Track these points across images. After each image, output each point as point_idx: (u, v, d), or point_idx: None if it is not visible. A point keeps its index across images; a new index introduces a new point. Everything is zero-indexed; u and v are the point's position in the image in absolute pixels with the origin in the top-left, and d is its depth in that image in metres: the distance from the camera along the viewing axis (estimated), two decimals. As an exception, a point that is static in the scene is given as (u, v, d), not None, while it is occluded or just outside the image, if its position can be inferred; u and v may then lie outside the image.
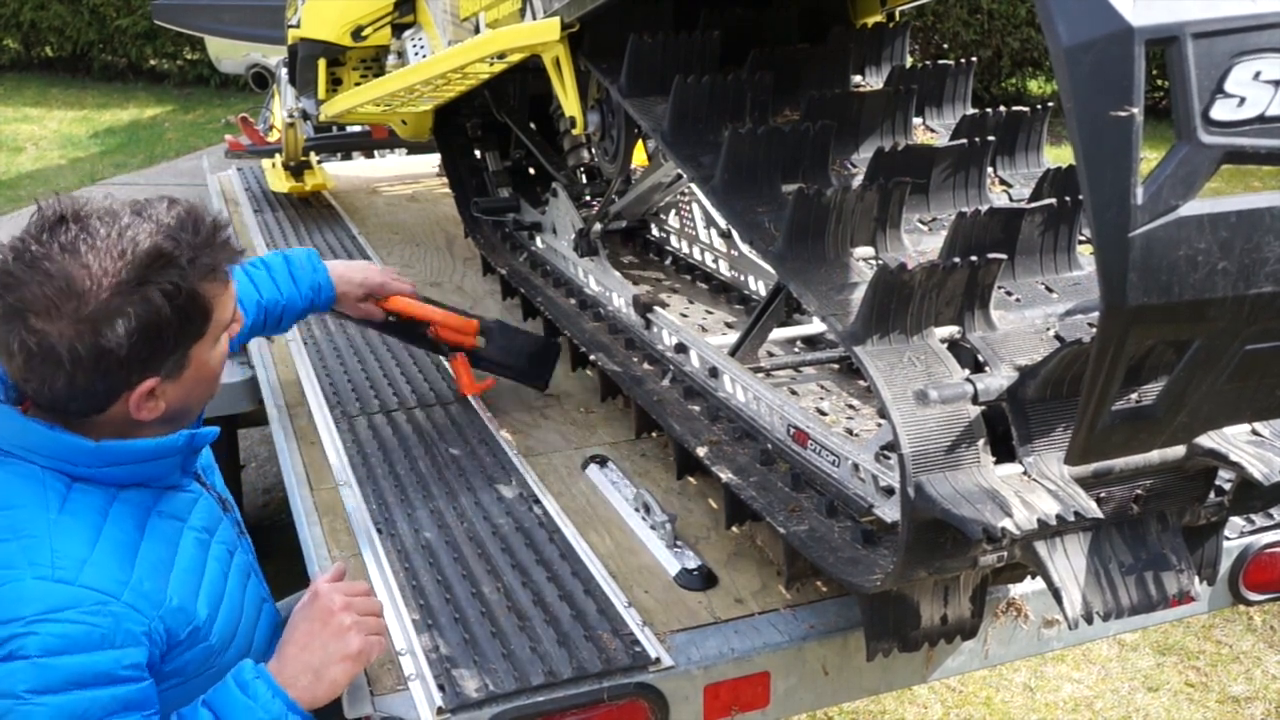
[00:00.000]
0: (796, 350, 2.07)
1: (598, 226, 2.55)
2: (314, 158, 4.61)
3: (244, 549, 1.56)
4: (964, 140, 1.61)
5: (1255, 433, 1.35)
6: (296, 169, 4.47)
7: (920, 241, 1.54)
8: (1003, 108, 1.78)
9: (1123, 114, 0.83)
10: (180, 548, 1.39)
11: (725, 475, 1.76)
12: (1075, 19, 0.84)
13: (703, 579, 1.73)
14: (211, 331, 1.39)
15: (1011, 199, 1.71)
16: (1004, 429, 1.29)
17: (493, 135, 3.33)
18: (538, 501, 1.97)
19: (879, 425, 1.75)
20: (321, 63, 3.65)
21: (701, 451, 1.85)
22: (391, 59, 3.45)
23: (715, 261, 2.52)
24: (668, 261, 2.68)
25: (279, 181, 4.46)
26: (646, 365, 2.16)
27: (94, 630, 1.24)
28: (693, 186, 2.37)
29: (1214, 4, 0.84)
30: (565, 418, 2.32)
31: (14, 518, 1.28)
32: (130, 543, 1.33)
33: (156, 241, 1.30)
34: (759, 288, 2.34)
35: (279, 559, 1.45)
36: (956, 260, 1.33)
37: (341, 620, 1.42)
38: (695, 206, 2.57)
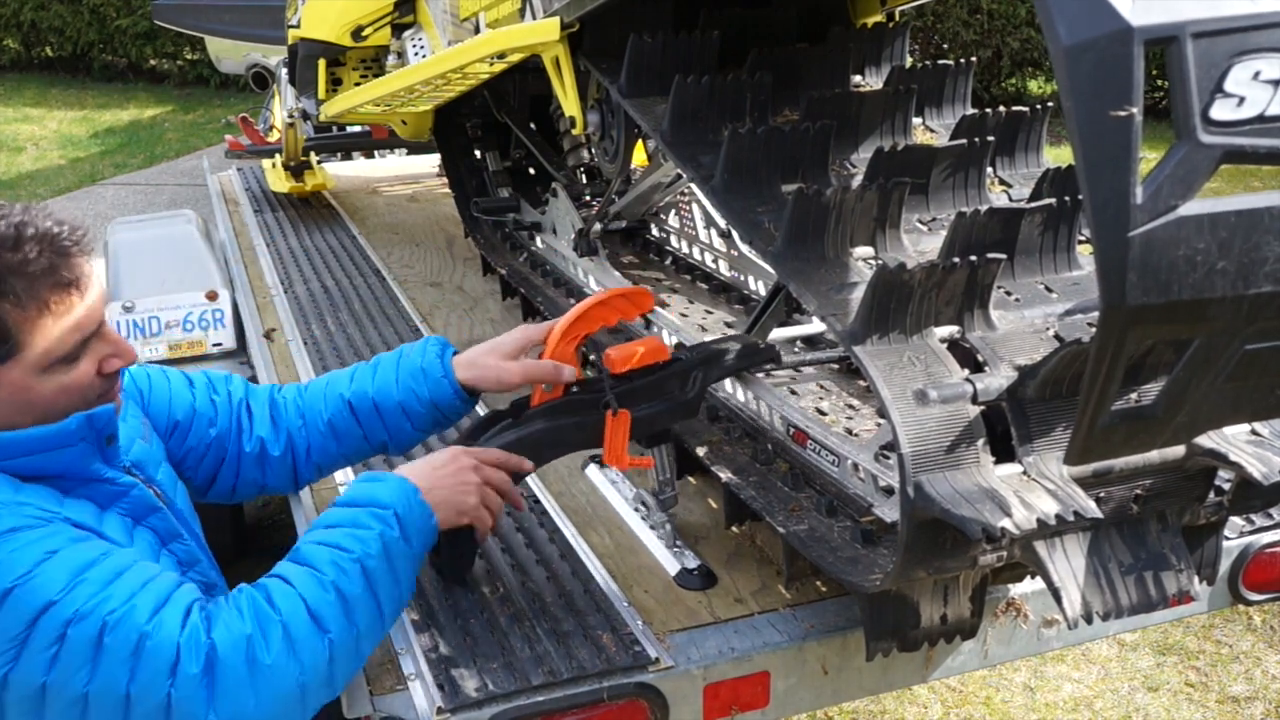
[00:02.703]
0: (796, 350, 2.07)
1: (598, 226, 2.55)
2: (314, 158, 4.61)
3: (183, 541, 1.50)
4: (964, 140, 1.61)
5: (1255, 432, 1.35)
6: (296, 169, 4.48)
7: (920, 241, 1.54)
8: (1002, 108, 1.78)
9: (1122, 114, 0.83)
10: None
11: (725, 475, 1.76)
12: (1075, 19, 0.84)
13: (702, 579, 1.73)
14: (26, 358, 1.29)
15: (1011, 199, 1.71)
16: (1003, 429, 1.29)
17: (493, 135, 3.33)
18: (537, 501, 1.97)
19: (878, 425, 1.75)
20: (321, 63, 3.65)
21: (701, 451, 1.85)
22: (391, 59, 3.45)
23: (715, 261, 2.52)
24: (668, 261, 2.67)
25: (279, 181, 4.47)
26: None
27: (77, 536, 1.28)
28: (693, 186, 2.37)
29: (1213, 4, 0.84)
30: (565, 418, 2.32)
31: None
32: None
33: None
34: (759, 287, 2.34)
35: (279, 559, 1.46)
36: (956, 260, 1.33)
37: (470, 477, 1.53)
38: (695, 206, 2.57)
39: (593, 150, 2.50)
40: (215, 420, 1.68)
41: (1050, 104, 1.80)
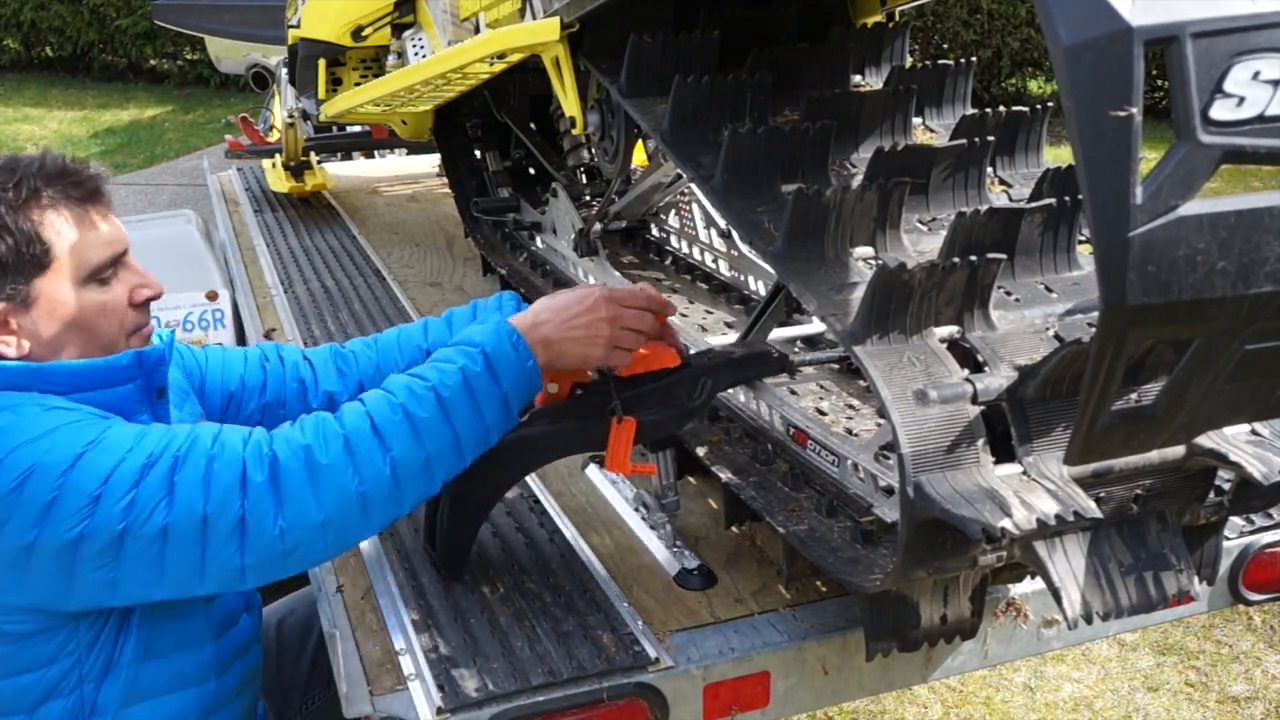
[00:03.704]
0: (796, 350, 2.07)
1: (598, 226, 2.55)
2: (314, 158, 4.61)
3: None
4: (964, 140, 1.61)
5: (1255, 432, 1.35)
6: (296, 169, 4.47)
7: (920, 241, 1.54)
8: (1002, 108, 1.78)
9: (1122, 114, 0.83)
10: None
11: (725, 475, 1.76)
12: (1075, 19, 0.83)
13: (702, 579, 1.73)
14: (61, 267, 1.40)
15: (1011, 199, 1.71)
16: (1003, 429, 1.29)
17: (493, 135, 3.33)
18: (537, 501, 1.97)
19: (879, 425, 1.75)
20: (321, 63, 3.65)
21: (701, 451, 1.85)
22: (391, 59, 3.45)
23: (715, 261, 2.52)
24: (668, 261, 2.68)
25: (279, 181, 4.46)
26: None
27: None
28: (693, 186, 2.37)
29: (1213, 4, 0.84)
30: (565, 418, 2.32)
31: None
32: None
33: None
34: (759, 288, 2.34)
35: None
36: (956, 260, 1.33)
37: (602, 330, 1.52)
38: (695, 206, 2.57)
39: (593, 150, 2.50)
40: (266, 386, 1.78)
41: (1050, 104, 1.80)
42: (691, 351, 1.73)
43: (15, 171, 1.40)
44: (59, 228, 1.40)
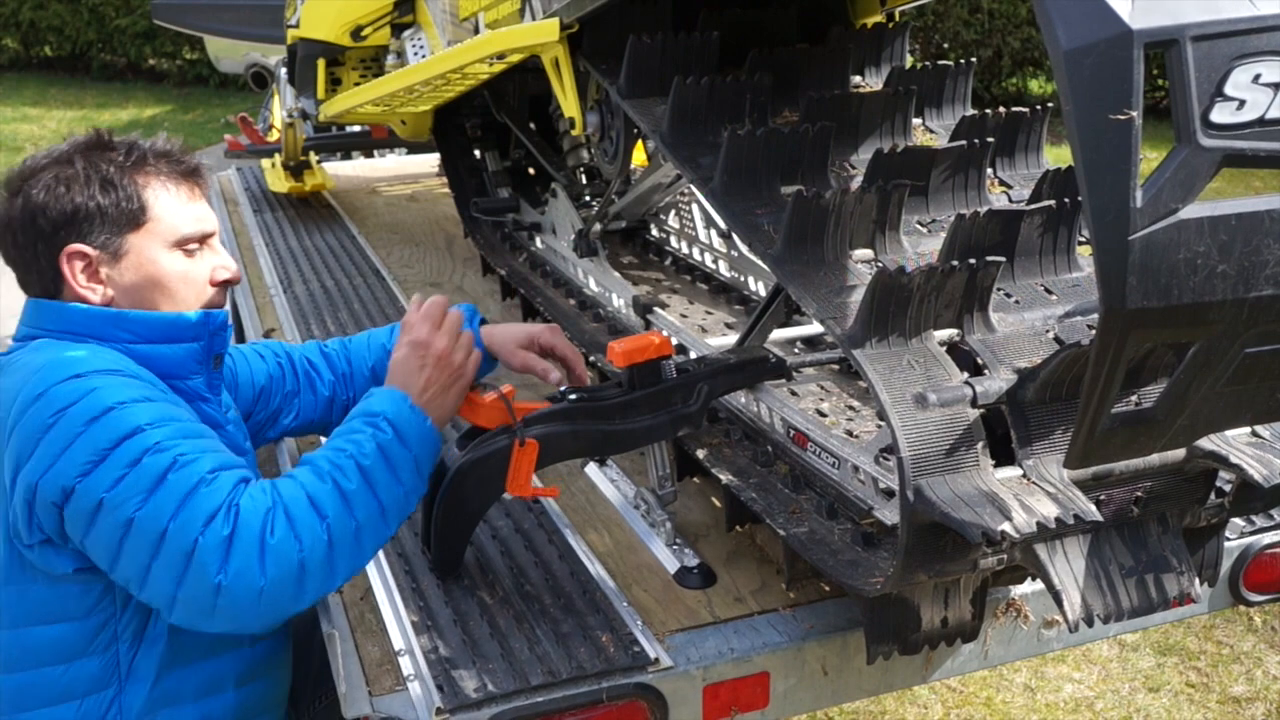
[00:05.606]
0: (796, 351, 2.07)
1: (597, 227, 2.55)
2: (313, 158, 4.61)
3: None
4: (963, 141, 1.61)
5: (1255, 435, 1.35)
6: (296, 169, 4.46)
7: (919, 244, 1.54)
8: (1002, 108, 1.78)
9: (1122, 117, 0.83)
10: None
11: (725, 477, 1.76)
12: (1075, 22, 0.83)
13: (702, 578, 1.73)
14: (154, 228, 1.53)
15: (1011, 200, 1.70)
16: (1003, 432, 1.29)
17: (493, 135, 3.32)
18: (537, 501, 1.97)
19: (879, 427, 1.75)
20: (321, 63, 3.65)
21: (701, 454, 1.85)
22: (391, 59, 3.45)
23: (715, 262, 2.52)
24: (667, 262, 2.67)
25: (278, 181, 4.46)
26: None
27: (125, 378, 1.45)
28: (692, 187, 2.37)
29: (1213, 7, 0.84)
30: (565, 418, 2.32)
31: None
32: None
33: (99, 131, 1.57)
34: (759, 288, 2.34)
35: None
36: (955, 263, 1.33)
37: (450, 364, 1.57)
38: (695, 207, 2.57)
39: (592, 151, 2.50)
40: (284, 380, 1.91)
41: (1051, 104, 1.80)
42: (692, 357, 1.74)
43: (131, 142, 1.56)
44: (158, 193, 1.54)
